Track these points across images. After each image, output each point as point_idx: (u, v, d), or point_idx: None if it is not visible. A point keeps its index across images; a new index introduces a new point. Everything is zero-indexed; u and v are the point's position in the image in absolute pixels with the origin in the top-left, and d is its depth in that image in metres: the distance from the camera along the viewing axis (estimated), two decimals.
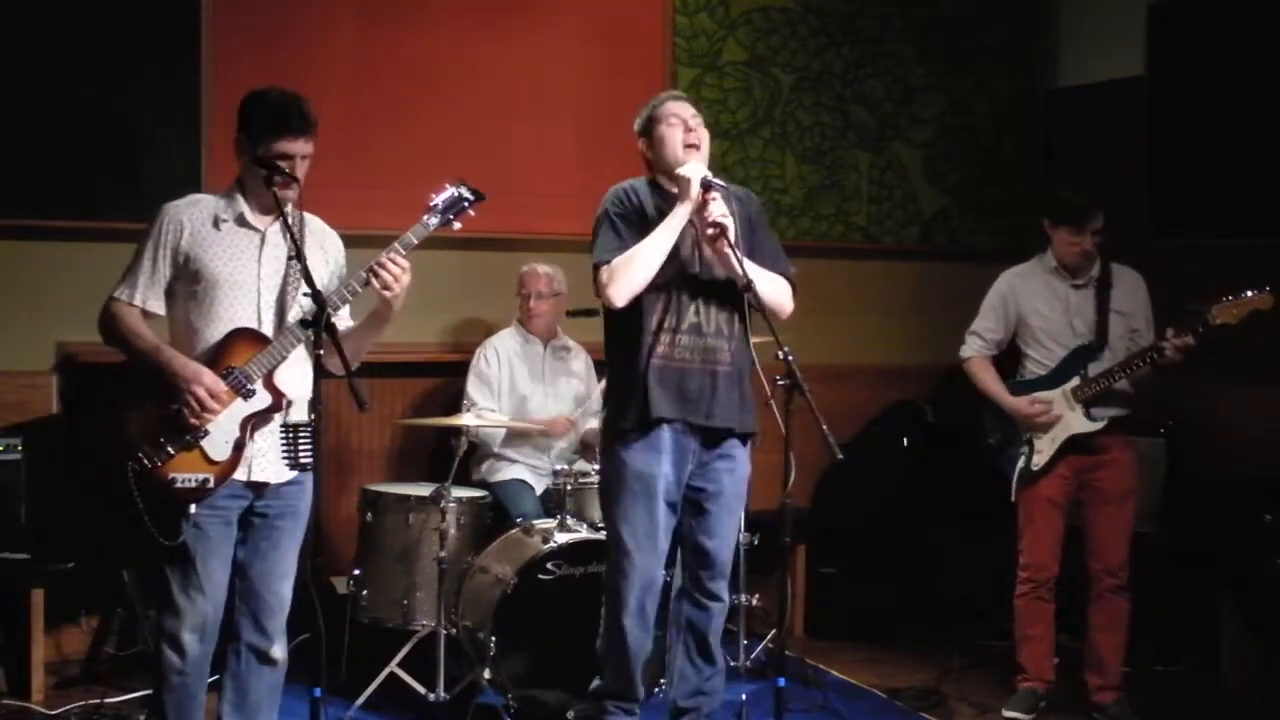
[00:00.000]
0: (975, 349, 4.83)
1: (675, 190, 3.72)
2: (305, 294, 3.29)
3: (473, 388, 5.12)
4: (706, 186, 3.64)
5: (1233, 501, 5.13)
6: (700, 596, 3.87)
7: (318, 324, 3.18)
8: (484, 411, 4.97)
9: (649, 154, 3.84)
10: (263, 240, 3.42)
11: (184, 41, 5.05)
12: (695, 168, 3.69)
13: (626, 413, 3.76)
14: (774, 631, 4.90)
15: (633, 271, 3.65)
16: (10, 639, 4.71)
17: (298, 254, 3.26)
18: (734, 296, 3.77)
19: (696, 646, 3.91)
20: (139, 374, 3.35)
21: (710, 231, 3.63)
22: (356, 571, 4.62)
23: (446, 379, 5.53)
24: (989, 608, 5.77)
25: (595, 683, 3.98)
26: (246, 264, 3.39)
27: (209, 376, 3.29)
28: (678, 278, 3.73)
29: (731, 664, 4.74)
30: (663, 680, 4.32)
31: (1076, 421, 4.62)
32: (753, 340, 3.75)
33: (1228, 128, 5.62)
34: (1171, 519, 5.17)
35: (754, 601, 4.90)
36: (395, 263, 3.38)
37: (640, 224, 3.72)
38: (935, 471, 5.93)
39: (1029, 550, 4.74)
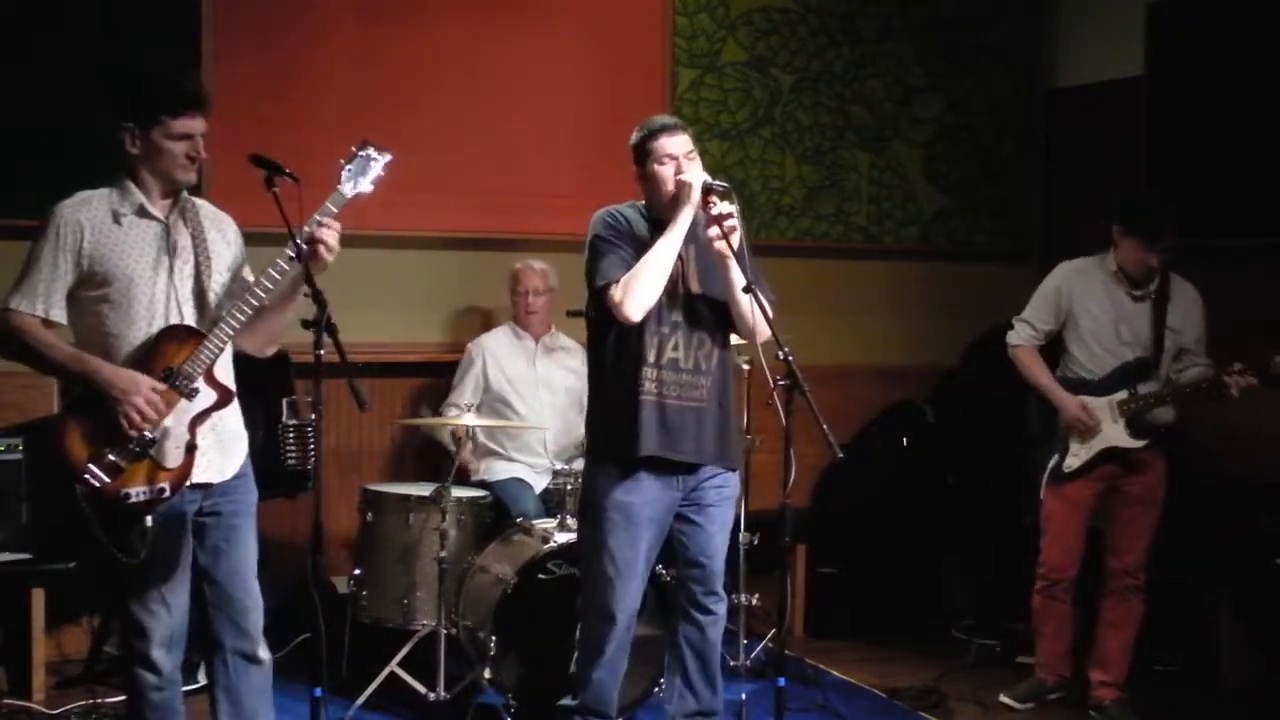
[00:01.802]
0: (1025, 338, 4.74)
1: (668, 216, 3.68)
2: (247, 287, 3.21)
3: (455, 384, 5.22)
4: (708, 190, 3.63)
5: (1232, 502, 5.14)
6: (695, 613, 3.86)
7: (318, 324, 3.14)
8: (447, 409, 5.03)
9: (641, 183, 3.79)
10: (167, 230, 3.27)
11: (184, 41, 5.05)
12: (696, 173, 3.66)
13: (610, 445, 3.76)
14: (774, 631, 4.90)
15: (645, 283, 3.61)
16: (11, 639, 4.71)
17: (298, 254, 3.19)
18: (713, 329, 3.78)
19: (696, 668, 3.88)
20: (65, 385, 3.18)
21: (714, 232, 3.62)
22: (357, 571, 4.62)
23: (447, 379, 5.52)
24: (988, 607, 5.78)
25: (568, 700, 3.96)
26: (157, 257, 3.24)
27: (146, 383, 3.13)
28: (660, 311, 3.69)
29: (731, 664, 4.75)
30: (663, 680, 4.33)
31: (1117, 434, 4.58)
32: (761, 341, 3.70)
33: (1228, 128, 5.62)
34: (1170, 519, 5.16)
35: (754, 601, 4.90)
36: (328, 226, 3.25)
37: (634, 245, 3.69)
38: (935, 471, 5.94)
39: (1047, 549, 4.73)
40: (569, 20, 5.71)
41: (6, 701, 4.58)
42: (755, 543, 4.86)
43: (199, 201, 3.38)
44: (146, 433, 3.14)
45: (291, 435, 4.60)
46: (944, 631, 5.71)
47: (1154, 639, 5.04)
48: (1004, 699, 4.83)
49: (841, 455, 3.37)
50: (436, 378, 5.57)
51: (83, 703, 4.53)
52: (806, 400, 3.44)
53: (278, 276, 3.24)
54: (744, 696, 4.50)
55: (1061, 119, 6.53)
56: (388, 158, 3.42)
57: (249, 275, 3.41)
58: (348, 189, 3.36)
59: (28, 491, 4.68)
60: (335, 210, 3.31)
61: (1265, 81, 5.47)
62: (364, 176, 3.38)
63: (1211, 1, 5.77)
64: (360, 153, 3.40)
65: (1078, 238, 4.76)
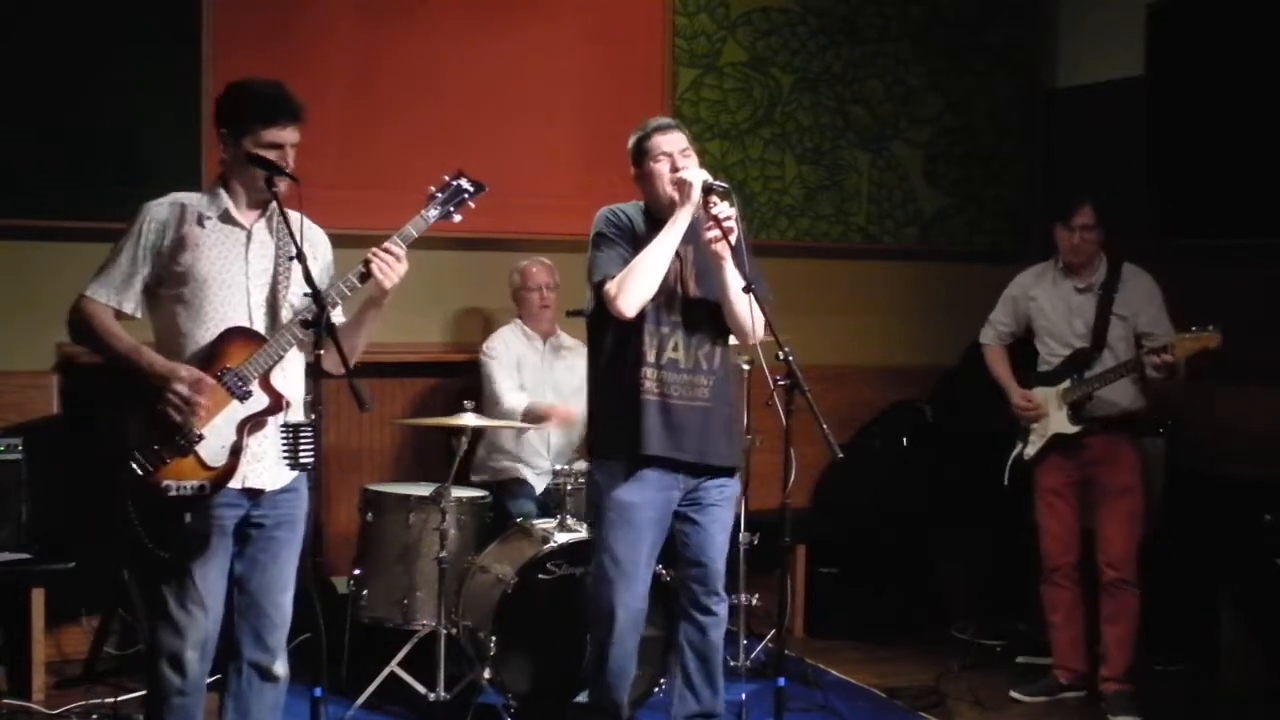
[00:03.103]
0: (989, 338, 5.08)
1: (666, 215, 3.69)
2: (305, 294, 3.21)
3: (493, 375, 5.11)
4: (708, 190, 3.63)
5: (1233, 501, 5.14)
6: (696, 613, 3.86)
7: (318, 324, 3.13)
8: (508, 393, 4.98)
9: (640, 185, 3.82)
10: (249, 237, 3.32)
11: (184, 41, 5.05)
12: (696, 172, 3.67)
13: (611, 445, 3.77)
14: (774, 631, 4.90)
15: (639, 279, 3.63)
16: (11, 639, 4.71)
17: (298, 254, 3.19)
18: (713, 329, 3.78)
19: (698, 668, 3.87)
20: (130, 377, 3.23)
21: (713, 233, 3.62)
22: (356, 571, 4.62)
23: (446, 379, 5.53)
24: (988, 607, 5.78)
25: (582, 697, 3.99)
26: (234, 262, 3.29)
27: (191, 377, 3.18)
28: (659, 311, 3.71)
29: (731, 664, 4.74)
30: (663, 680, 4.33)
31: (1060, 422, 4.75)
32: (755, 342, 3.71)
33: (1228, 128, 5.62)
34: (1171, 518, 5.16)
35: (754, 601, 4.91)
36: (390, 252, 3.31)
37: (634, 243, 3.71)
38: (935, 471, 5.94)
39: (1041, 539, 4.91)
40: (569, 20, 5.71)
41: (6, 701, 4.58)
42: (755, 543, 4.86)
43: (293, 214, 3.36)
44: (185, 425, 3.18)
45: (290, 436, 4.60)
46: (944, 631, 5.71)
47: (1155, 638, 5.04)
48: (1014, 694, 4.88)
49: (841, 455, 3.38)
50: (436, 378, 5.57)
51: (83, 703, 4.53)
52: (806, 400, 3.44)
53: (347, 292, 3.30)
54: (744, 696, 4.50)
55: (1061, 119, 6.52)
56: (480, 191, 3.49)
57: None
58: (432, 214, 3.43)
59: (28, 492, 4.68)
60: (415, 234, 3.38)
61: (1265, 82, 5.46)
62: (451, 205, 3.46)
63: (1211, 1, 5.77)
64: (453, 182, 3.47)
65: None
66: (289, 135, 3.29)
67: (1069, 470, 4.80)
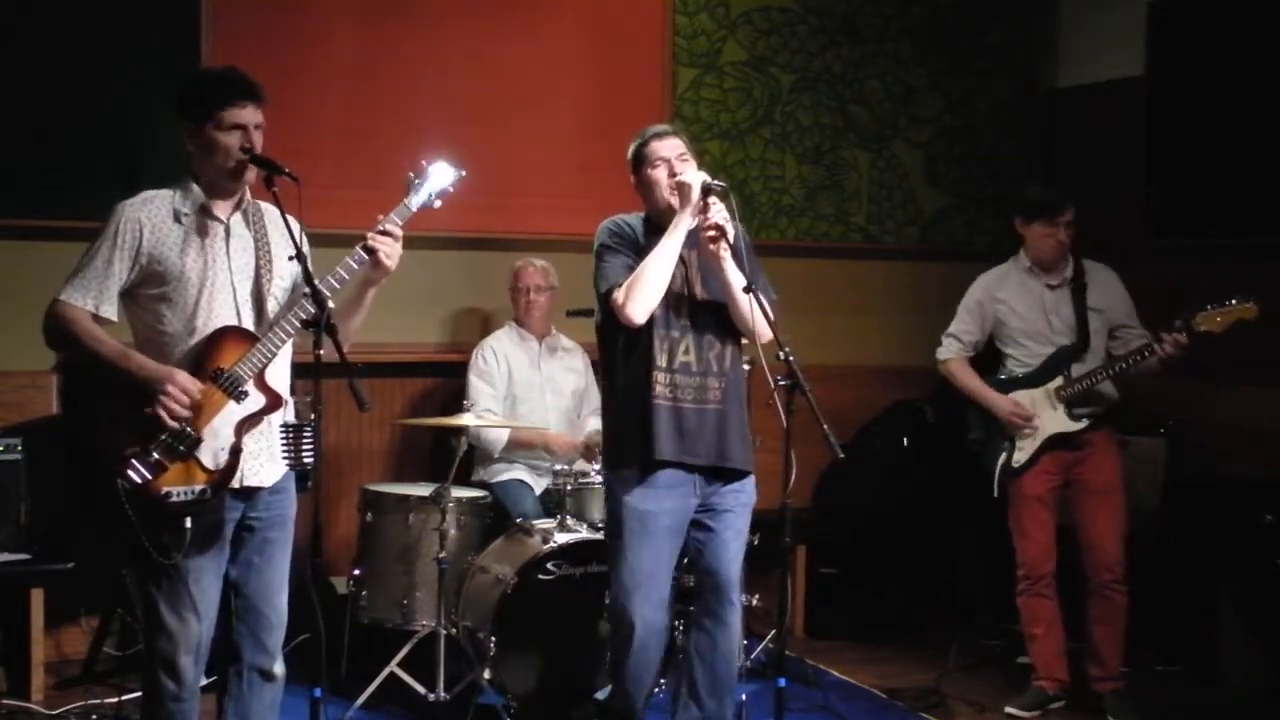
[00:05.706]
0: (953, 351, 4.93)
1: (666, 221, 3.70)
2: (305, 293, 3.17)
3: (474, 386, 5.12)
4: (707, 191, 3.64)
5: (1233, 501, 5.14)
6: (708, 621, 3.85)
7: (318, 324, 3.10)
8: (485, 413, 4.96)
9: (640, 192, 3.82)
10: (228, 232, 3.27)
11: (184, 41, 5.05)
12: (695, 174, 3.67)
13: (626, 453, 3.76)
14: (774, 632, 4.90)
15: (646, 285, 3.63)
16: (10, 639, 4.71)
17: (297, 254, 3.16)
18: (723, 331, 3.78)
19: (704, 676, 3.86)
20: (110, 379, 3.16)
21: (710, 233, 3.62)
22: (356, 571, 4.62)
23: (446, 379, 5.53)
24: (989, 607, 5.78)
25: (602, 694, 3.98)
26: (217, 258, 3.23)
27: (181, 376, 3.12)
28: (668, 316, 3.72)
29: None
30: (664, 680, 4.32)
31: (1058, 421, 4.68)
32: (765, 341, 3.69)
33: (1227, 128, 5.63)
34: (1171, 519, 5.16)
35: (754, 601, 4.90)
36: (390, 233, 3.27)
37: (637, 252, 3.71)
38: (935, 471, 5.93)
39: (1022, 549, 4.79)
40: (569, 21, 5.71)
41: (6, 701, 4.58)
42: (755, 543, 4.84)
43: (266, 206, 3.35)
44: (189, 430, 3.14)
45: (290, 436, 4.60)
46: (944, 632, 5.70)
47: (1156, 638, 5.04)
48: (1010, 710, 4.79)
49: (842, 456, 3.38)
50: (436, 378, 5.57)
51: (82, 703, 4.53)
52: (807, 400, 3.44)
53: (336, 285, 3.24)
54: (744, 697, 4.49)
55: (1061, 119, 6.53)
56: (459, 174, 3.44)
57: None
58: (414, 202, 3.38)
59: (28, 491, 4.68)
60: (400, 222, 3.32)
61: (1265, 82, 5.47)
62: (432, 191, 3.41)
63: (1211, 1, 5.77)
64: (430, 167, 3.42)
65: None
66: (250, 115, 3.22)
67: (1056, 474, 4.72)
